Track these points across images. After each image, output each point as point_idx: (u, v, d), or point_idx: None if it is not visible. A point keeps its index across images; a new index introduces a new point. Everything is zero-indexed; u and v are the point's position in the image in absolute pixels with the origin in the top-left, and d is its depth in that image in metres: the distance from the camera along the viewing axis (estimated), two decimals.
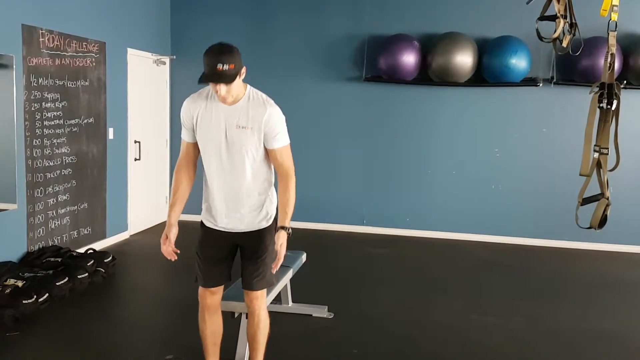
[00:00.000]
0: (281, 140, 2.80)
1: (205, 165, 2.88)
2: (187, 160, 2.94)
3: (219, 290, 3.04)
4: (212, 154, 2.82)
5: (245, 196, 2.85)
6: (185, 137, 2.93)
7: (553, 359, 3.81)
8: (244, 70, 2.70)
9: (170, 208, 2.93)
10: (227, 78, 2.60)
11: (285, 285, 4.19)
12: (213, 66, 2.58)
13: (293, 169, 2.86)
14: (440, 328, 4.25)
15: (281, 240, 2.75)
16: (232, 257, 3.05)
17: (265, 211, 2.93)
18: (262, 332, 3.03)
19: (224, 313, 3.28)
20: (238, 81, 2.68)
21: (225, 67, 2.58)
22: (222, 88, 2.64)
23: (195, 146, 2.90)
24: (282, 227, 2.79)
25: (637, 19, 6.34)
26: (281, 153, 2.81)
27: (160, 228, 7.18)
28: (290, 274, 4.06)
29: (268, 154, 2.84)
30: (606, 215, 3.04)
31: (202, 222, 3.00)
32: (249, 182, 2.83)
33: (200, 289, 3.03)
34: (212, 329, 3.07)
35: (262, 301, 3.01)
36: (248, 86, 2.80)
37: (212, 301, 3.02)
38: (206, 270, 2.98)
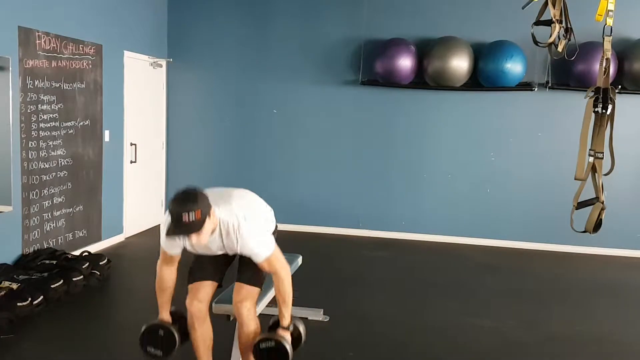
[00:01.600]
0: (263, 254, 2.82)
1: None
2: (170, 265, 2.97)
3: (205, 299, 3.04)
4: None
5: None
6: (167, 249, 2.91)
7: None
8: (212, 211, 2.66)
9: (161, 308, 3.02)
10: (195, 227, 2.57)
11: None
12: (179, 218, 2.54)
13: (284, 268, 2.89)
14: (435, 331, 4.25)
15: (286, 336, 2.88)
16: (228, 263, 3.09)
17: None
18: (253, 340, 2.99)
19: (219, 316, 3.28)
20: (208, 223, 2.64)
21: (192, 216, 2.53)
22: (194, 238, 2.63)
23: (178, 256, 2.95)
24: (284, 327, 2.89)
25: (632, 24, 6.38)
26: (268, 262, 2.85)
27: (155, 231, 7.21)
28: None
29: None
30: (601, 219, 3.06)
31: None
32: None
33: (188, 297, 3.03)
34: (202, 336, 3.06)
35: (251, 311, 2.98)
36: (216, 218, 2.73)
37: (198, 308, 3.00)
38: (199, 265, 3.04)
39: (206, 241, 2.73)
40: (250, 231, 2.78)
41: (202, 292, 3.02)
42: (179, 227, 2.57)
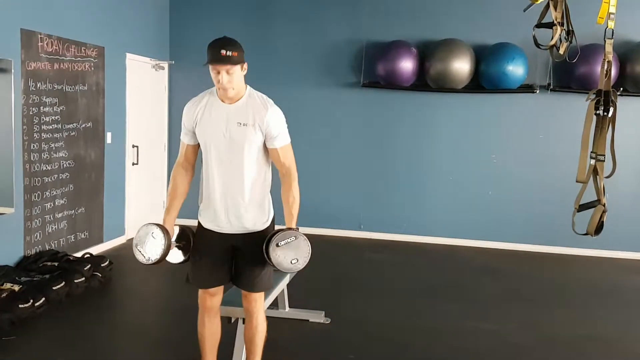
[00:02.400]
0: (282, 140, 2.85)
1: (205, 163, 2.89)
2: (186, 163, 2.97)
3: (219, 292, 3.03)
4: (212, 152, 2.84)
5: (245, 193, 2.84)
6: (185, 139, 2.96)
7: None
8: (245, 65, 2.79)
9: (167, 212, 2.90)
10: (231, 61, 2.68)
11: (282, 291, 4.19)
12: (217, 52, 2.67)
13: (295, 167, 2.90)
14: (436, 333, 4.25)
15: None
16: (231, 258, 2.97)
17: (264, 212, 2.93)
18: (260, 336, 3.04)
19: (221, 318, 3.28)
20: (240, 74, 2.76)
21: (229, 53, 2.68)
22: (225, 76, 2.70)
23: (194, 148, 2.94)
24: (290, 229, 2.78)
25: (634, 26, 6.38)
26: (283, 152, 2.86)
27: None
28: (287, 279, 4.07)
29: (269, 153, 2.88)
30: (602, 222, 3.05)
31: (199, 222, 2.98)
32: (248, 179, 2.84)
33: (200, 292, 3.02)
34: (210, 331, 3.06)
35: (260, 304, 3.02)
36: (248, 86, 2.86)
37: (212, 304, 3.02)
38: (205, 272, 2.96)
39: (232, 95, 2.76)
40: (277, 109, 2.84)
41: (215, 287, 3.00)
42: (216, 59, 2.67)
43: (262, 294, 3.02)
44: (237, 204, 2.85)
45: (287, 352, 3.76)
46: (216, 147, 2.82)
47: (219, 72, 2.70)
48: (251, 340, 3.04)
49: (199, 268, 2.96)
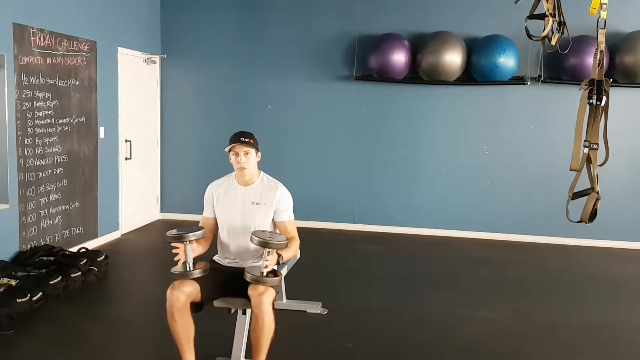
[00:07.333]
0: (288, 215, 3.39)
1: (221, 231, 3.40)
2: (205, 233, 3.27)
3: (186, 292, 3.06)
4: (228, 224, 3.34)
5: (253, 253, 3.33)
6: (206, 213, 3.44)
7: (543, 351, 3.88)
8: (260, 154, 3.36)
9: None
10: (248, 145, 3.26)
11: (280, 282, 4.21)
12: (237, 137, 3.28)
13: (298, 238, 3.41)
14: (432, 322, 4.30)
15: (272, 258, 3.06)
16: (221, 291, 3.23)
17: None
18: (267, 334, 3.02)
19: (221, 309, 3.31)
20: (254, 158, 3.32)
21: (247, 139, 3.28)
22: (242, 157, 3.26)
23: (213, 221, 3.41)
24: (278, 254, 3.13)
25: (623, 18, 6.43)
26: (290, 225, 3.38)
27: (151, 227, 7.22)
28: (284, 271, 4.08)
29: (276, 227, 3.38)
30: (596, 209, 3.10)
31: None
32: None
33: (169, 289, 3.06)
34: (184, 327, 3.07)
35: (268, 298, 3.00)
36: (262, 172, 3.43)
37: (178, 297, 3.03)
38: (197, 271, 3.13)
39: (248, 176, 3.31)
40: (285, 189, 3.39)
41: (184, 285, 3.06)
42: (237, 141, 3.25)
43: (273, 295, 3.04)
44: (245, 258, 3.36)
45: (286, 342, 3.78)
46: (231, 221, 3.33)
47: (238, 155, 3.25)
48: (257, 339, 3.03)
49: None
